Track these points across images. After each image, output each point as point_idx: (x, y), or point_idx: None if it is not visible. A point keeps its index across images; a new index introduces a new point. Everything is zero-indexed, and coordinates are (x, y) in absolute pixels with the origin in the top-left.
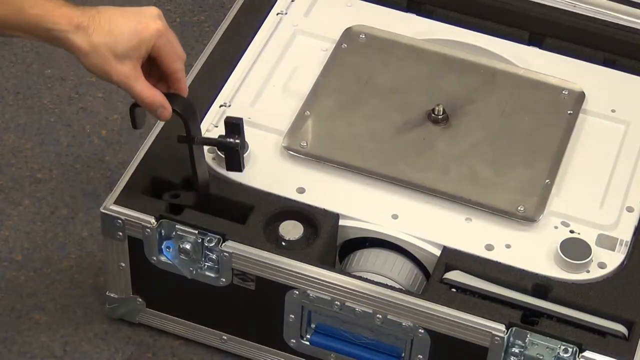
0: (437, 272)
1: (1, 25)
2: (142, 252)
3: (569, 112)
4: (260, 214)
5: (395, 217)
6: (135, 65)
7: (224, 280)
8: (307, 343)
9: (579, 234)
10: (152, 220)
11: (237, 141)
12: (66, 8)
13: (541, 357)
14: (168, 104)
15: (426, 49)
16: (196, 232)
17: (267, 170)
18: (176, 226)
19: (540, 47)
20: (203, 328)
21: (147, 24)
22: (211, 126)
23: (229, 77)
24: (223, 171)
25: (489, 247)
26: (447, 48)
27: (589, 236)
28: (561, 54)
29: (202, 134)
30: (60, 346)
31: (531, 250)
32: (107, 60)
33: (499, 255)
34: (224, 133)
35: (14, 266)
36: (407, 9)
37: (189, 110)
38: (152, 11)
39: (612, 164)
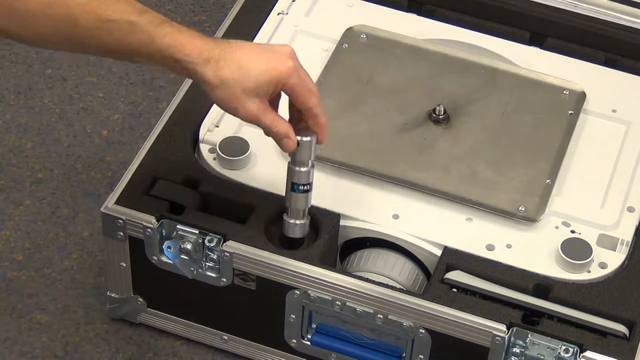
0: (438, 272)
1: (131, 54)
2: (143, 252)
3: (569, 112)
4: (261, 214)
5: (396, 217)
6: (263, 101)
7: (224, 280)
8: (308, 343)
9: (579, 234)
10: (153, 220)
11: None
12: (198, 40)
13: (542, 357)
14: (293, 134)
15: (427, 49)
16: (197, 232)
17: (268, 170)
18: (177, 226)
19: (541, 47)
20: (204, 328)
21: (277, 63)
22: (212, 126)
23: None
24: (223, 171)
25: (490, 247)
26: (448, 48)
27: (589, 236)
28: (562, 54)
29: (204, 134)
30: (61, 346)
31: (532, 250)
32: (234, 96)
33: (499, 255)
34: (226, 135)
35: (14, 266)
36: (408, 9)
37: None
38: (285, 49)
39: (613, 164)
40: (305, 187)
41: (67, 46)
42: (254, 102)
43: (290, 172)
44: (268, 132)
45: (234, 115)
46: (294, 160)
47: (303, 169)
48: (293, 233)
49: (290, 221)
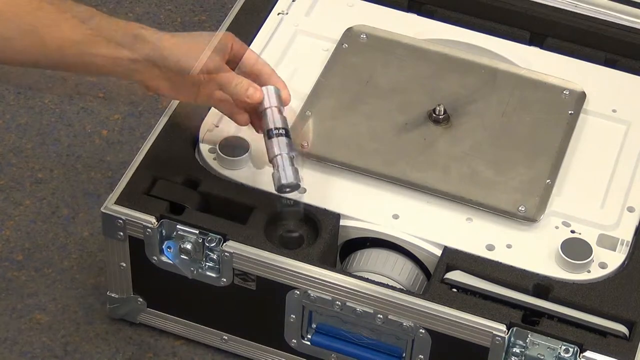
0: (438, 272)
1: (88, 41)
2: (142, 252)
3: (570, 112)
4: (261, 214)
5: (396, 217)
6: (221, 56)
7: (224, 280)
8: (308, 343)
9: (579, 234)
10: (153, 220)
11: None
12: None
13: (542, 357)
14: (254, 83)
15: (427, 49)
16: (197, 232)
17: (268, 170)
18: (177, 226)
19: (541, 47)
20: (204, 328)
21: (218, 34)
22: (212, 126)
23: None
24: (223, 171)
25: (490, 247)
26: (448, 48)
27: (589, 236)
28: (562, 54)
29: (204, 133)
30: (61, 346)
31: (532, 250)
32: (195, 45)
33: (499, 255)
34: (226, 135)
35: (14, 266)
36: (408, 9)
37: None
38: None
39: (613, 164)
40: (281, 132)
41: (26, 49)
42: (215, 55)
43: (264, 120)
44: (232, 86)
45: (199, 70)
46: (264, 109)
47: (275, 112)
48: (284, 179)
49: (279, 169)
